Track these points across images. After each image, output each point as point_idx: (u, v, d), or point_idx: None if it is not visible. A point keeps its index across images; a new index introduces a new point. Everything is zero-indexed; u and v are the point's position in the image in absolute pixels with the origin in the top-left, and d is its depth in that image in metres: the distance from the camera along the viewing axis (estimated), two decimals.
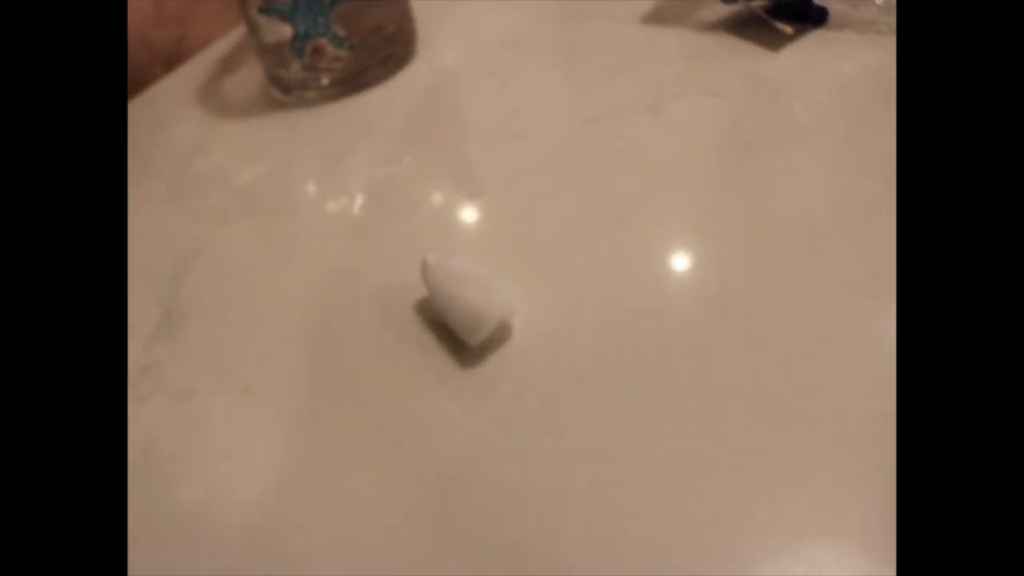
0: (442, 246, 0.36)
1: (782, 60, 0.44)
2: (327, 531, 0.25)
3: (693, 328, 0.29)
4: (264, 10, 0.46)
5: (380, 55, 0.50)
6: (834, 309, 0.29)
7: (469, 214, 0.38)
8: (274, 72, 0.50)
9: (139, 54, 0.56)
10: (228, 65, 0.56)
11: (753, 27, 0.46)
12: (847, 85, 0.41)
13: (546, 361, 0.29)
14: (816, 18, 0.45)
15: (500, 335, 0.30)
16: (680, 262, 0.33)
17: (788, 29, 0.44)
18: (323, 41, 0.47)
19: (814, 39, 0.44)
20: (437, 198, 0.39)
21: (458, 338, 0.30)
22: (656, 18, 0.50)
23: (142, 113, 0.52)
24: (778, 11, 0.45)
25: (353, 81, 0.49)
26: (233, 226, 0.40)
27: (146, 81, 0.55)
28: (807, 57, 0.43)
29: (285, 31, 0.47)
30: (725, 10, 0.48)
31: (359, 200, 0.41)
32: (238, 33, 0.59)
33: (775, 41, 0.45)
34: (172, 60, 0.57)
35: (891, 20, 0.44)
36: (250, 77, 0.54)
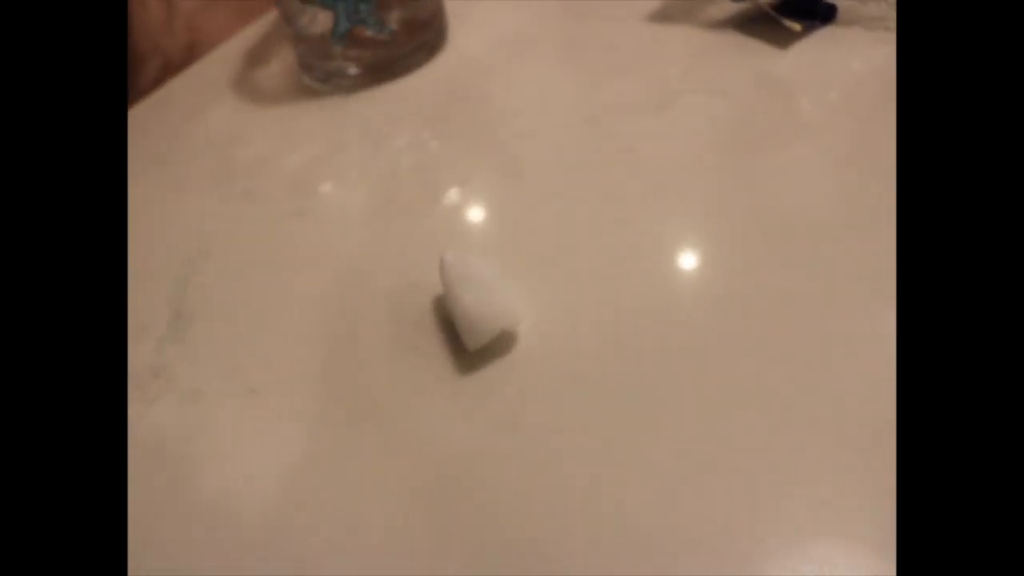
0: (448, 245, 0.36)
1: (790, 58, 0.43)
2: (333, 531, 0.25)
3: (699, 328, 0.29)
4: None
5: (413, 44, 0.50)
6: (841, 309, 0.29)
7: (475, 212, 0.38)
8: (309, 60, 0.50)
9: (149, 60, 0.56)
10: (256, 56, 0.56)
11: (761, 24, 0.45)
12: (856, 82, 0.41)
13: (549, 361, 0.29)
14: (824, 15, 0.45)
15: (505, 342, 0.30)
16: (686, 262, 0.33)
17: (796, 26, 0.44)
18: (360, 28, 0.48)
19: (822, 36, 0.44)
20: (452, 195, 0.39)
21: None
22: (662, 16, 0.50)
23: (176, 97, 0.53)
24: (786, 8, 0.45)
25: (387, 69, 0.50)
26: (243, 222, 0.40)
27: (152, 87, 0.55)
28: (815, 54, 0.43)
29: (321, 19, 0.47)
30: (732, 7, 0.48)
31: (375, 194, 0.41)
32: (250, 31, 0.59)
33: (783, 38, 0.44)
34: (181, 67, 0.57)
35: None
36: (281, 67, 0.54)
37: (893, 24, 0.43)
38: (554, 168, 0.39)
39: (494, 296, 0.29)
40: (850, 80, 0.41)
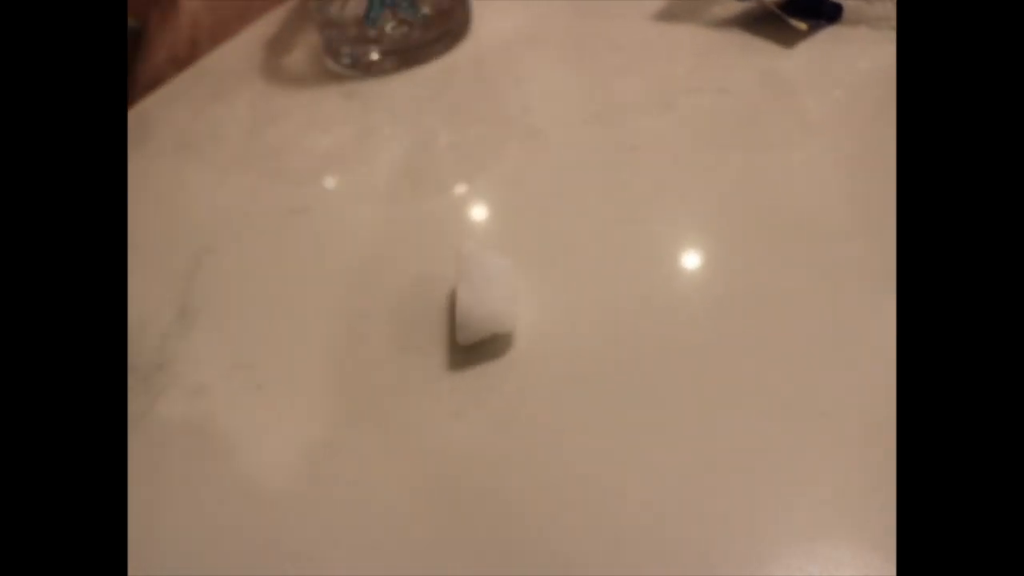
0: (453, 240, 0.36)
1: (796, 57, 0.43)
2: (337, 527, 0.25)
3: (701, 327, 0.29)
4: None
5: (438, 30, 0.51)
6: (845, 308, 0.29)
7: (479, 209, 0.38)
8: (337, 46, 0.51)
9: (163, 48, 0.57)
10: (279, 43, 0.57)
11: (766, 23, 0.45)
12: (861, 82, 0.41)
13: (550, 360, 0.29)
14: (830, 14, 0.45)
15: (506, 340, 0.30)
16: (688, 261, 0.33)
17: (802, 25, 0.44)
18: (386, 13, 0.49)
19: (828, 35, 0.44)
20: (457, 191, 0.39)
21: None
22: (668, 15, 0.50)
23: (200, 83, 0.54)
24: (792, 7, 0.45)
25: (412, 55, 0.50)
26: (249, 216, 0.40)
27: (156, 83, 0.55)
28: (821, 54, 0.43)
29: (352, 4, 0.48)
30: (738, 6, 0.47)
31: (389, 183, 0.41)
32: (263, 23, 0.59)
33: (789, 38, 0.44)
34: (187, 62, 0.57)
35: None
36: (303, 52, 0.55)
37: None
38: (559, 166, 0.39)
39: (493, 297, 0.29)
40: (855, 79, 0.41)
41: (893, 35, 0.43)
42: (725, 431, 0.26)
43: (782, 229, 0.33)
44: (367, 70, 0.51)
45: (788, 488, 0.24)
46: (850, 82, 0.41)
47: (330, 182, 0.42)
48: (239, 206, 0.41)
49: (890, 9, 0.44)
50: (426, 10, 0.50)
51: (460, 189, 0.40)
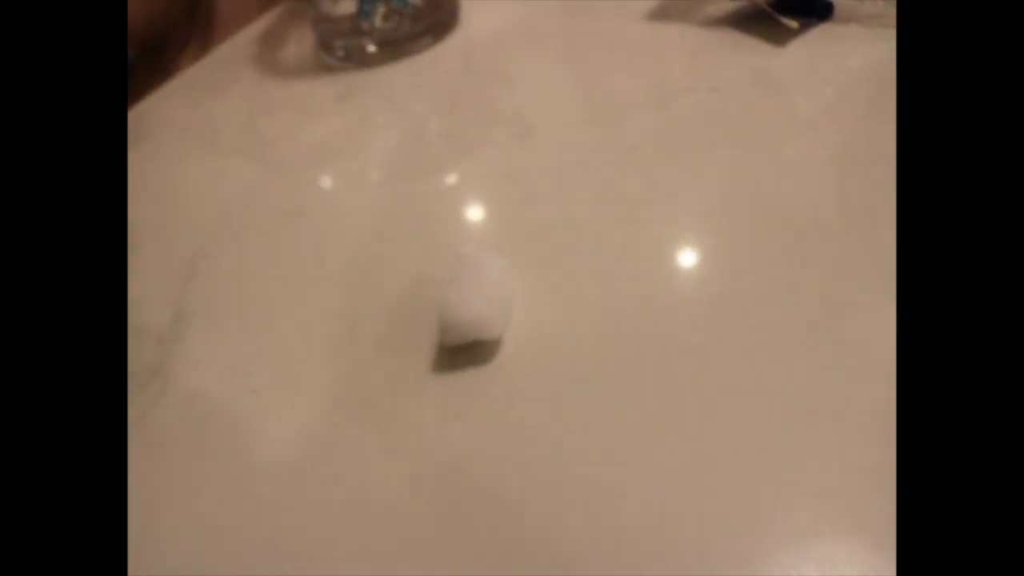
0: (446, 245, 0.36)
1: (788, 55, 0.43)
2: (333, 529, 0.26)
3: (698, 326, 0.29)
4: None
5: (428, 22, 0.53)
6: (841, 305, 0.29)
7: (477, 211, 0.39)
8: (330, 40, 0.53)
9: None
10: (274, 39, 0.59)
11: (758, 22, 0.46)
12: (853, 79, 0.41)
13: (549, 361, 0.29)
14: (822, 12, 0.45)
15: (496, 343, 0.30)
16: (684, 259, 0.33)
17: (793, 24, 0.44)
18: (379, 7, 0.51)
19: (820, 34, 0.44)
20: (451, 193, 0.40)
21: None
22: (661, 15, 0.50)
23: (199, 79, 0.55)
24: (783, 5, 0.45)
25: (401, 47, 0.52)
26: (245, 219, 0.40)
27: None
28: (813, 52, 0.43)
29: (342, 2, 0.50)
30: (730, 6, 0.48)
31: (382, 178, 0.42)
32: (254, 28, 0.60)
33: (780, 36, 0.44)
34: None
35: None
36: (298, 48, 0.57)
37: (890, 21, 0.43)
38: (553, 166, 0.39)
39: (481, 302, 0.29)
40: (847, 77, 0.41)
41: (884, 32, 0.43)
42: (723, 431, 0.26)
43: (775, 227, 0.33)
44: (360, 62, 0.52)
45: (787, 487, 0.24)
46: (842, 80, 0.41)
47: (326, 179, 0.43)
48: (235, 208, 0.41)
49: (881, 7, 0.44)
50: (416, 1, 0.51)
51: (454, 184, 0.40)
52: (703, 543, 0.23)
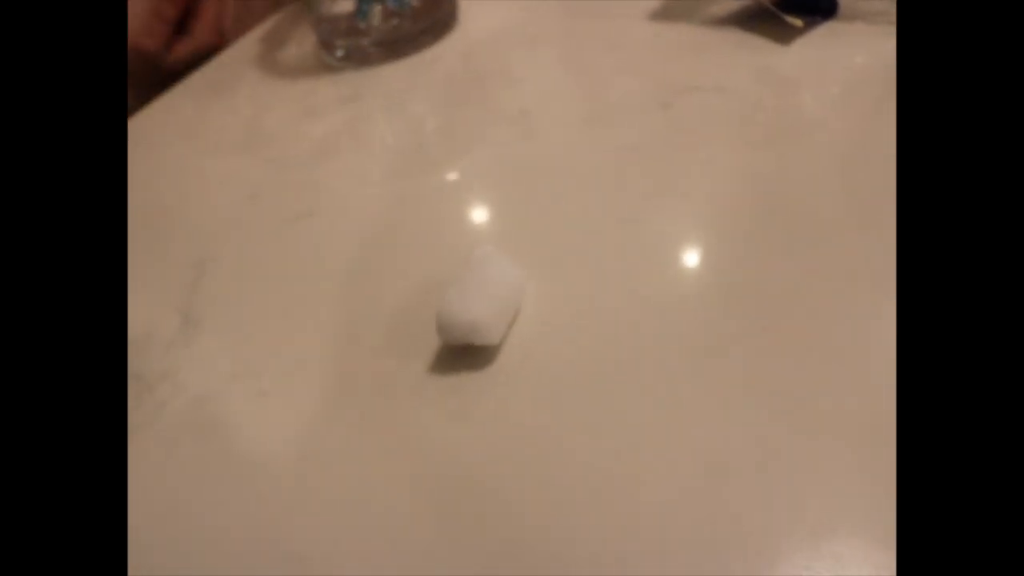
0: (450, 247, 0.36)
1: (792, 54, 0.43)
2: (338, 530, 0.26)
3: (704, 326, 0.29)
4: None
5: (427, 21, 0.53)
6: (847, 305, 0.29)
7: (480, 212, 0.39)
8: (330, 39, 0.54)
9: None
10: (276, 40, 0.59)
11: (762, 21, 0.45)
12: (858, 78, 0.41)
13: (551, 361, 0.29)
14: (826, 10, 0.45)
15: (513, 339, 0.30)
16: (689, 259, 0.33)
17: (798, 22, 0.44)
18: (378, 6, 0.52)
19: (824, 32, 0.44)
20: (454, 195, 0.40)
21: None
22: (664, 14, 0.50)
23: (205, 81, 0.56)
24: (787, 4, 0.45)
25: (400, 46, 0.53)
26: (250, 223, 0.40)
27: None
28: (817, 50, 0.43)
29: (340, 2, 0.51)
30: (733, 5, 0.48)
31: (384, 177, 0.42)
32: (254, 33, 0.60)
33: (785, 35, 0.44)
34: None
35: None
36: (299, 48, 0.58)
37: (895, 19, 0.43)
38: (555, 165, 0.39)
39: (480, 307, 0.29)
40: (852, 75, 0.41)
41: (889, 30, 0.43)
42: (730, 430, 0.26)
43: (781, 226, 0.33)
44: (360, 62, 0.53)
45: (805, 485, 0.24)
46: (847, 78, 0.41)
47: (329, 180, 0.43)
48: (240, 210, 0.41)
49: (886, 5, 0.44)
50: (414, 1, 0.52)
51: (455, 184, 0.40)
52: (712, 543, 0.23)
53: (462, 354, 0.30)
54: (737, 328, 0.29)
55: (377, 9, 0.51)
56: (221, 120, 0.51)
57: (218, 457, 0.29)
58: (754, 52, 0.44)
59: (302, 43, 0.57)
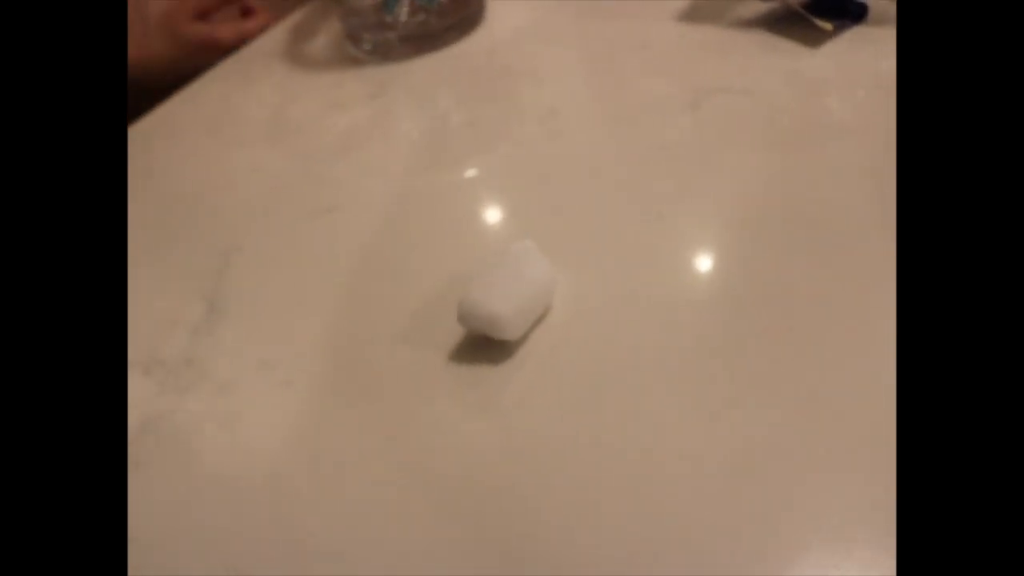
0: (474, 240, 0.36)
1: (820, 57, 0.43)
2: (362, 524, 0.26)
3: (728, 326, 0.29)
4: None
5: (455, 17, 0.53)
6: (871, 308, 0.29)
7: (504, 209, 0.39)
8: (358, 32, 0.54)
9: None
10: (303, 32, 0.60)
11: (791, 24, 0.45)
12: (886, 83, 0.40)
13: (571, 358, 0.29)
14: (856, 14, 0.45)
15: (531, 335, 0.30)
16: (713, 261, 0.33)
17: (827, 26, 0.44)
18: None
19: (853, 36, 0.44)
20: (478, 189, 0.40)
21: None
22: (692, 15, 0.49)
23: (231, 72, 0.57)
24: (817, 7, 0.45)
25: (427, 41, 0.53)
26: (274, 215, 0.40)
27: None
28: (846, 54, 0.43)
29: None
30: (762, 7, 0.47)
31: (408, 170, 0.42)
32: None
33: (814, 38, 0.44)
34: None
35: None
36: (327, 41, 0.57)
37: None
38: (582, 165, 0.39)
39: (501, 302, 0.29)
40: (880, 80, 0.41)
41: None
42: (751, 431, 0.26)
43: (806, 229, 0.33)
44: (386, 55, 0.53)
45: (817, 487, 0.24)
46: (875, 83, 0.41)
47: (354, 173, 0.43)
48: (266, 201, 0.42)
49: None
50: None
51: (480, 181, 0.40)
52: (735, 542, 0.23)
53: (484, 347, 0.30)
54: (761, 330, 0.29)
55: (405, 3, 0.52)
56: (247, 111, 0.51)
57: (240, 445, 0.29)
58: (783, 55, 0.44)
59: (329, 36, 0.58)
